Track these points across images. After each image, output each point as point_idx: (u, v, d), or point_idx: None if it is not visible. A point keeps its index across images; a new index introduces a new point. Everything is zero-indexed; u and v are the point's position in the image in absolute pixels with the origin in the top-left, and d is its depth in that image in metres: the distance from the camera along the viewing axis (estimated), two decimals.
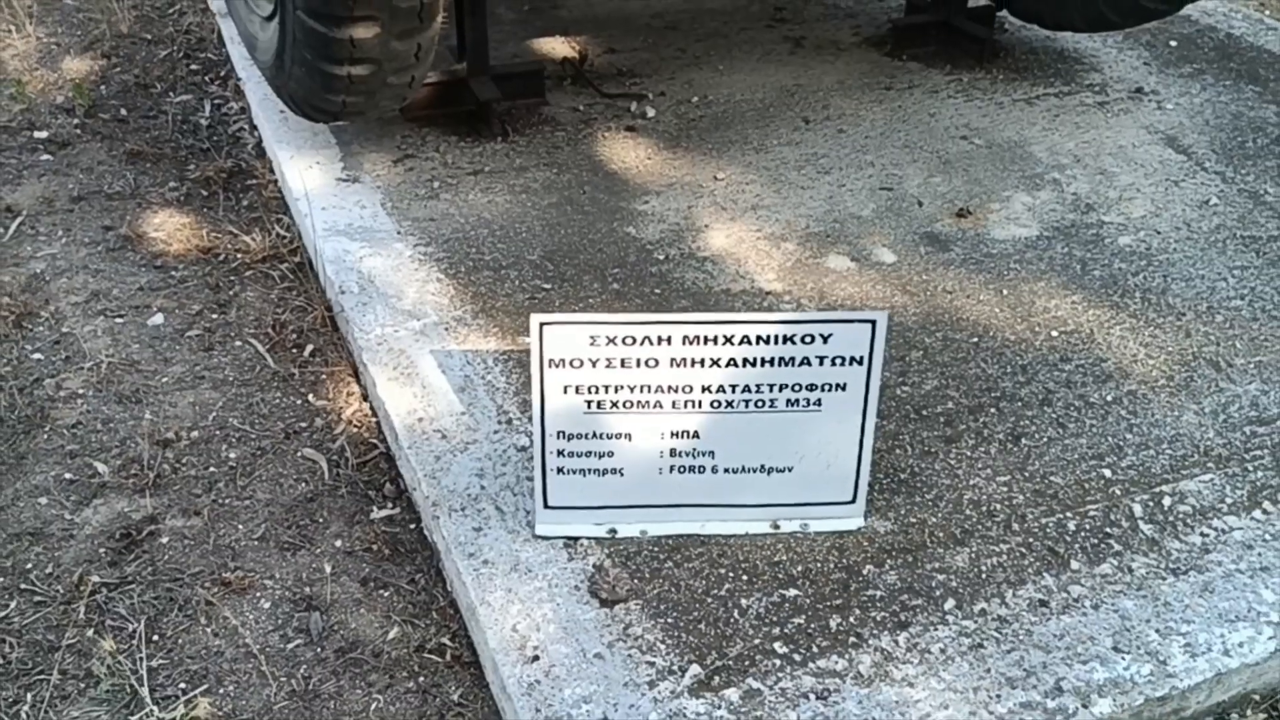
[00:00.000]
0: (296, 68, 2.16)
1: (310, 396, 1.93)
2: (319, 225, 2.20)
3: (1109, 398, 1.82)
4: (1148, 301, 2.05)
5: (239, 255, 2.28)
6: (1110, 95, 2.81)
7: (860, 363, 1.48)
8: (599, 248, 2.19)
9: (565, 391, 1.49)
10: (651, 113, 2.71)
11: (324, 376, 1.98)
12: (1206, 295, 2.07)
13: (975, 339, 1.95)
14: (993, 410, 1.79)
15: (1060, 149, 2.56)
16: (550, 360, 1.47)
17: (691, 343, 1.47)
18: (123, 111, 2.78)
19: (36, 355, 2.02)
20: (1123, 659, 1.39)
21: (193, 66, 3.01)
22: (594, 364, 1.47)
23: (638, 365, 1.48)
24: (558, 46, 3.04)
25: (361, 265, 2.12)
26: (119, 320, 2.10)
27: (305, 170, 2.42)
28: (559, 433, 1.51)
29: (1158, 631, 1.42)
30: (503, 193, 2.36)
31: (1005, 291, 2.07)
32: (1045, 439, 1.73)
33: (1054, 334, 1.96)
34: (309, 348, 2.05)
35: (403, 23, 2.06)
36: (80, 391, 1.93)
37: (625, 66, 2.94)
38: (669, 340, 1.46)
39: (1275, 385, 1.85)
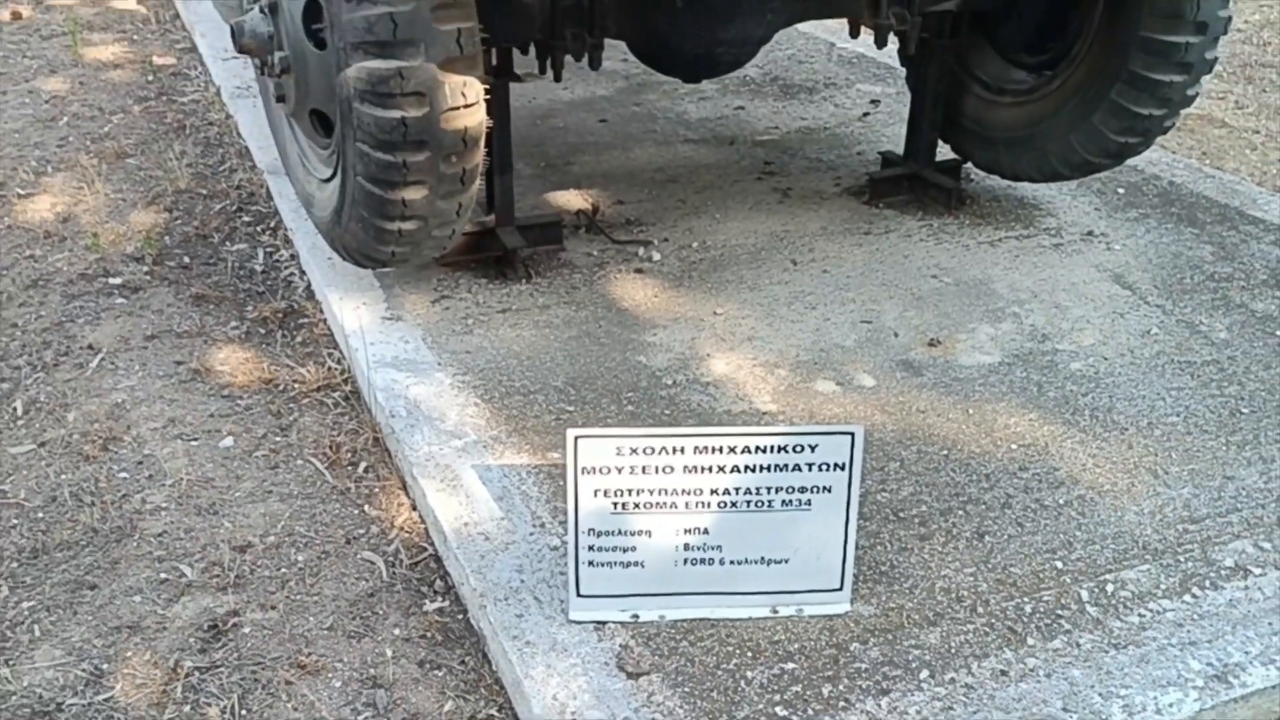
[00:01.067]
0: (353, 224, 2.50)
1: (366, 507, 2.21)
2: (369, 359, 2.51)
3: (1061, 500, 2.10)
4: (1096, 418, 2.34)
5: (296, 385, 2.57)
6: (1064, 237, 3.16)
7: (843, 468, 1.77)
8: (615, 375, 2.50)
9: (595, 495, 1.77)
10: (657, 256, 3.05)
11: (377, 490, 2.26)
12: (1147, 412, 2.37)
13: (945, 451, 2.24)
14: (961, 512, 2.07)
15: (1020, 286, 2.89)
16: (583, 468, 1.76)
17: (701, 452, 1.75)
18: (186, 259, 3.12)
19: (123, 474, 2.30)
20: (1071, 717, 1.64)
21: (245, 218, 3.36)
22: (620, 471, 1.76)
23: (657, 472, 1.76)
24: (572, 198, 3.40)
25: (408, 393, 2.42)
26: (194, 443, 2.39)
27: (354, 310, 2.74)
28: (590, 530, 1.79)
29: (1100, 695, 1.68)
30: (529, 328, 2.68)
31: (971, 411, 2.37)
32: (1006, 536, 2.01)
33: (1014, 446, 2.25)
34: (362, 465, 2.33)
35: (448, 186, 2.40)
36: (164, 505, 2.21)
37: (633, 215, 3.30)
38: (683, 450, 1.75)
39: (1205, 489, 2.14)
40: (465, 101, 2.30)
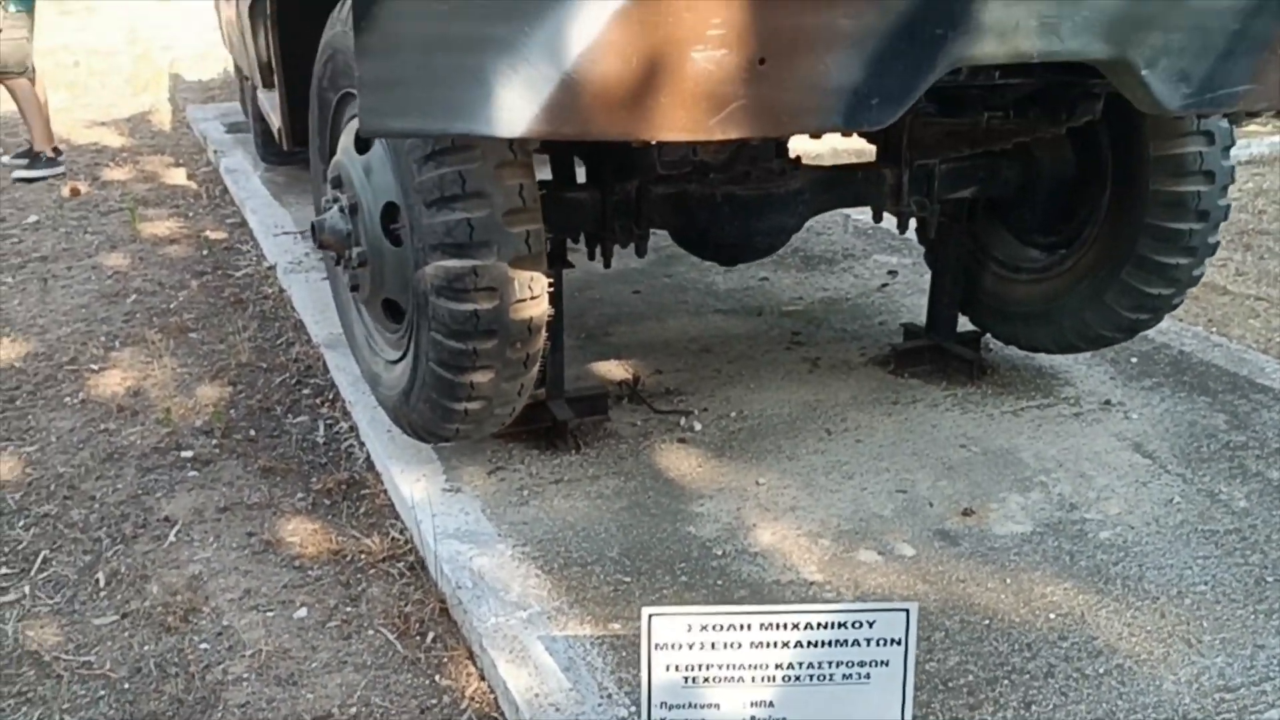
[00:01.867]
0: (421, 404, 2.68)
1: (437, 677, 2.32)
2: (434, 530, 2.65)
3: (1101, 670, 2.21)
4: (1128, 587, 2.47)
5: (363, 556, 2.71)
6: (1084, 406, 3.34)
7: (898, 643, 1.90)
8: (666, 545, 2.64)
9: (667, 669, 1.89)
10: (698, 426, 3.22)
11: (446, 660, 2.37)
12: (1176, 581, 2.49)
13: (987, 621, 2.35)
14: (1006, 682, 2.17)
15: (1045, 455, 3.05)
16: (656, 644, 1.88)
17: (767, 629, 1.88)
18: (252, 432, 3.29)
19: (204, 645, 2.42)
20: None
21: (305, 391, 3.55)
22: (690, 647, 1.89)
23: (725, 648, 1.89)
24: (613, 369, 3.59)
25: (472, 564, 2.55)
26: (270, 614, 2.51)
27: (414, 482, 2.89)
28: (662, 703, 1.90)
29: None
30: (581, 499, 2.83)
31: (1009, 580, 2.50)
32: (1052, 706, 2.11)
33: (1052, 616, 2.37)
34: (430, 635, 2.45)
35: (512, 369, 2.59)
36: (245, 676, 2.32)
37: (672, 385, 3.48)
38: (749, 627, 1.88)
39: (1238, 658, 2.25)
40: (531, 294, 2.50)
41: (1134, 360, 3.66)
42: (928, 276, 3.98)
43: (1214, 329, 4.07)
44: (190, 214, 5.53)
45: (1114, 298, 3.19)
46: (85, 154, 6.75)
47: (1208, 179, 3.00)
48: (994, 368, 3.58)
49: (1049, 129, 2.91)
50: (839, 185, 3.18)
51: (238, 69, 6.53)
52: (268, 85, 4.24)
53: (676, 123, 1.96)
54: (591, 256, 3.12)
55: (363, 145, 2.75)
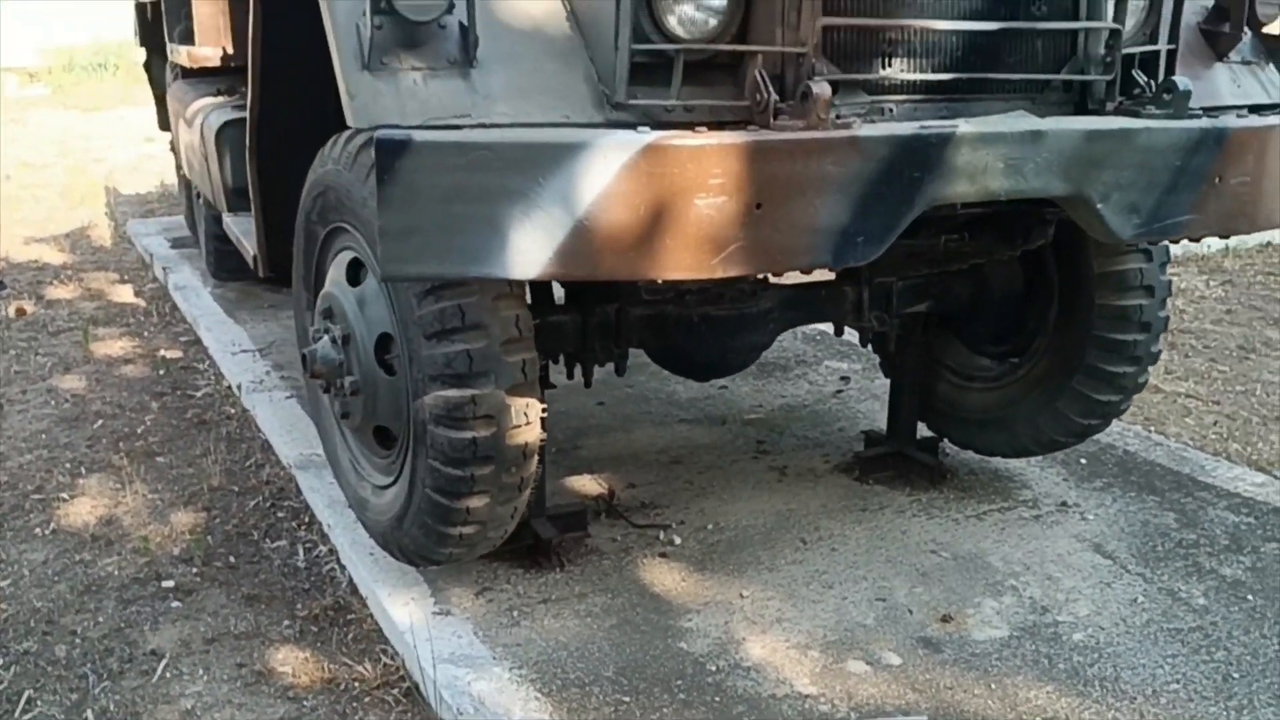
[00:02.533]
0: (415, 529, 2.72)
1: None
2: (432, 655, 2.67)
3: None
4: (1106, 689, 2.58)
5: (357, 684, 2.71)
6: (1042, 509, 3.49)
7: None
8: (660, 662, 2.69)
9: None
10: (678, 540, 3.29)
11: None
12: (1150, 681, 2.61)
13: None
14: None
15: (1012, 558, 3.18)
16: None
17: None
18: (232, 559, 3.28)
19: None
20: None
21: (280, 514, 3.56)
22: None
23: None
24: (587, 484, 3.66)
25: (471, 689, 2.58)
26: None
27: (403, 606, 2.91)
28: None
29: None
30: (571, 618, 2.87)
31: (993, 686, 2.59)
32: None
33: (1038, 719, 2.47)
34: None
35: (507, 494, 2.65)
36: None
37: (646, 498, 3.56)
38: None
39: None
40: (526, 420, 2.59)
41: (1083, 461, 3.84)
42: (879, 382, 4.14)
43: (1152, 427, 4.28)
44: (142, 332, 5.51)
45: (1066, 404, 3.37)
46: (26, 271, 6.70)
47: (1148, 293, 3.22)
48: (953, 472, 3.72)
49: (1004, 252, 3.10)
50: (805, 303, 3.33)
51: (187, 187, 6.58)
52: (233, 209, 4.31)
53: (681, 263, 2.08)
54: (570, 376, 3.21)
55: (354, 278, 2.83)
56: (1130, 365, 3.27)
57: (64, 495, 3.67)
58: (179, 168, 7.13)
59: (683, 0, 2.26)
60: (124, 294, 6.27)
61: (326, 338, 2.86)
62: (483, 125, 2.18)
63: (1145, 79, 2.58)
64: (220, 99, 4.59)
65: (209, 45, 4.48)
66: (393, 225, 2.06)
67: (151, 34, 7.11)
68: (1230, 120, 2.51)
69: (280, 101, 3.32)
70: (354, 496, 3.07)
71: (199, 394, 4.66)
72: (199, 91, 4.79)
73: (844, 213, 2.15)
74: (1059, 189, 2.34)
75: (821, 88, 2.13)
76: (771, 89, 2.20)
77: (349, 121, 2.22)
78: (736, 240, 2.08)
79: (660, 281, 2.42)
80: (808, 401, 4.46)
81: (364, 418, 2.84)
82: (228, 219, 4.23)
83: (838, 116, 2.19)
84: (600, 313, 3.06)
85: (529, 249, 2.05)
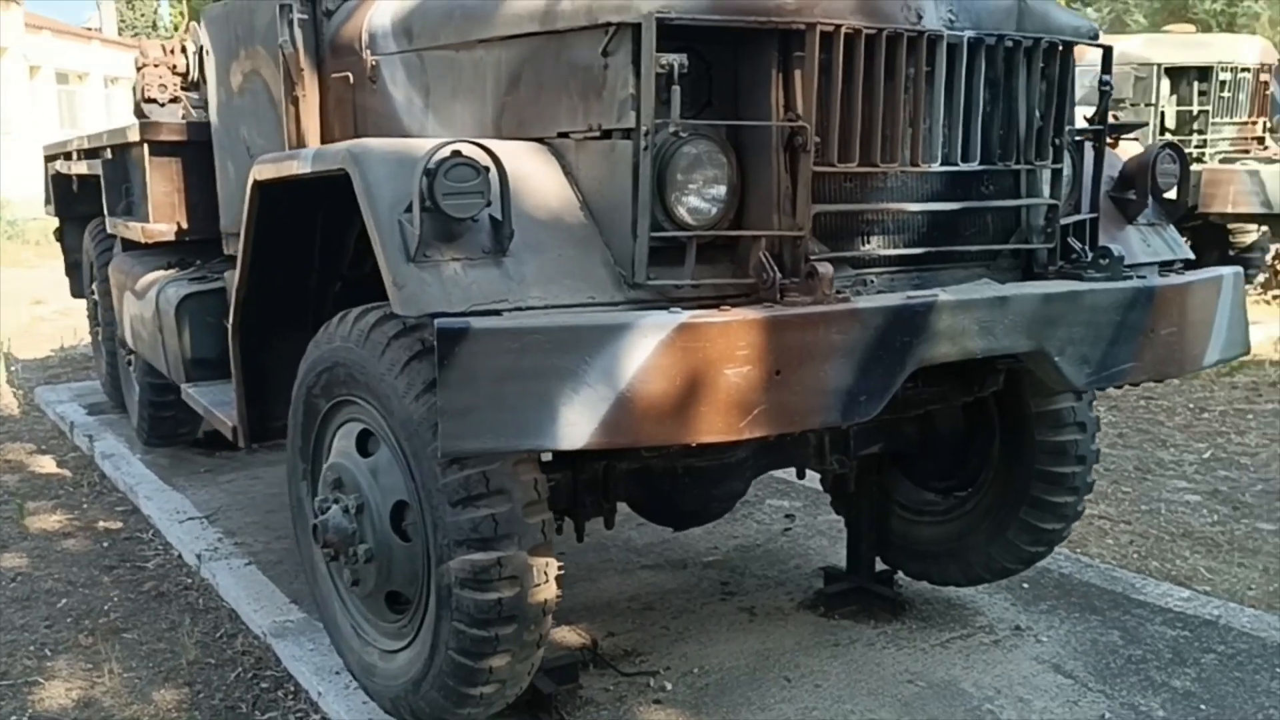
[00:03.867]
0: (434, 691, 2.79)
1: None
2: None
3: None
4: None
5: None
6: (999, 634, 3.72)
7: None
8: None
9: None
10: (669, 685, 3.41)
11: None
12: None
13: None
14: None
15: (983, 684, 3.39)
16: None
17: None
18: None
19: None
20: None
21: (263, 685, 3.55)
22: None
23: None
24: (568, 635, 3.76)
25: None
26: None
27: None
28: None
29: None
30: None
31: None
32: None
33: None
34: None
35: (526, 651, 2.76)
36: None
37: (628, 646, 3.67)
38: None
39: None
40: (545, 579, 2.72)
41: (1025, 586, 4.11)
42: (821, 519, 4.37)
43: (1077, 550, 4.60)
44: (75, 504, 5.41)
45: (1015, 534, 3.65)
46: None
47: (1081, 429, 3.55)
48: (909, 602, 3.95)
49: (959, 399, 3.40)
50: (775, 450, 3.55)
51: (110, 354, 6.55)
52: (192, 380, 4.37)
53: (714, 428, 2.28)
54: (560, 531, 3.34)
55: (364, 449, 2.95)
56: (1071, 495, 3.58)
57: (34, 679, 3.59)
58: (95, 333, 7.10)
59: (690, 193, 2.52)
60: (46, 464, 6.15)
61: (337, 508, 2.95)
62: (519, 309, 2.38)
63: (1079, 245, 2.94)
64: (173, 272, 4.68)
65: (164, 221, 4.59)
66: (452, 405, 2.22)
67: (69, 204, 7.16)
68: (1157, 279, 2.87)
69: (263, 279, 3.45)
70: (358, 663, 3.12)
71: (150, 565, 4.60)
72: (147, 265, 4.87)
73: (849, 375, 2.39)
74: (1024, 346, 2.65)
75: (825, 267, 2.40)
76: (776, 268, 2.47)
77: (396, 309, 2.39)
78: (760, 404, 2.30)
79: (694, 445, 2.61)
80: (759, 540, 4.66)
81: (377, 584, 2.92)
82: (190, 390, 4.28)
83: (837, 291, 2.45)
84: (590, 469, 3.22)
85: (577, 421, 2.23)
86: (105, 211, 5.36)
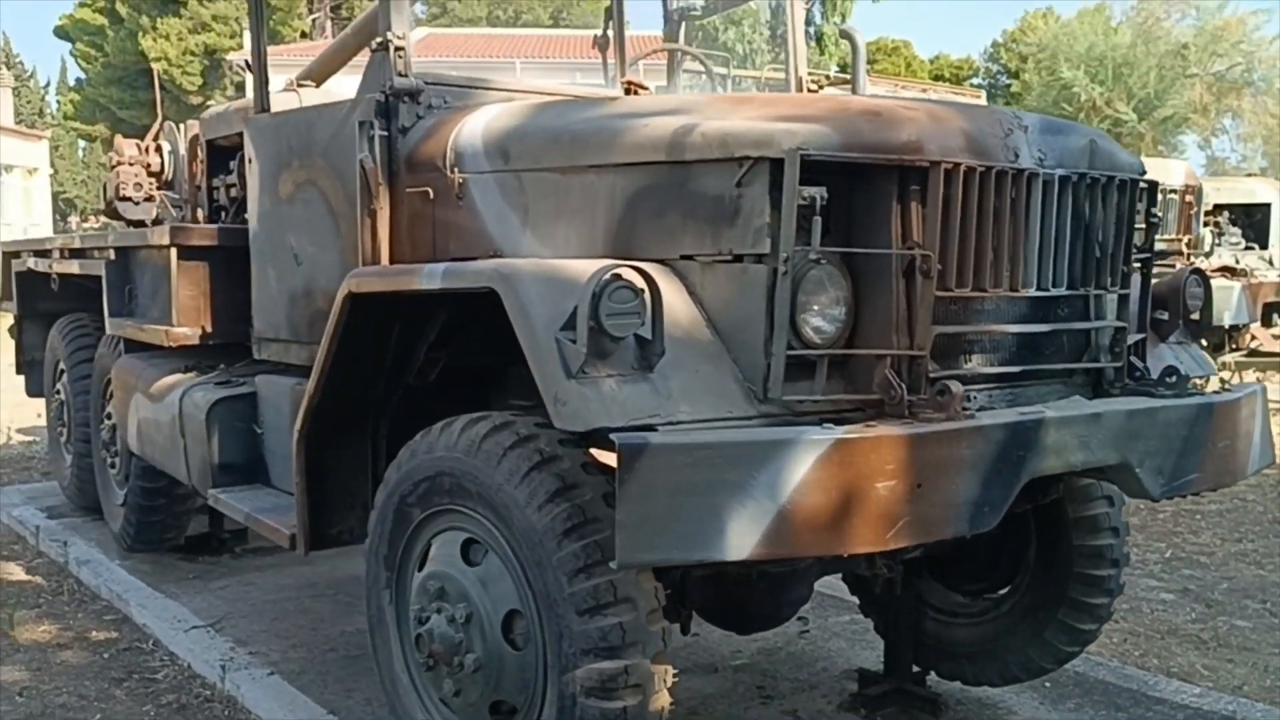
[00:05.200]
0: None
1: None
2: None
3: None
4: None
5: None
6: None
7: None
8: None
9: None
10: None
11: None
12: None
13: None
14: None
15: None
16: None
17: None
18: None
19: None
20: None
21: None
22: None
23: None
24: None
25: None
26: None
27: None
28: None
29: None
30: None
31: None
32: None
33: None
34: None
35: None
36: None
37: None
38: None
39: None
40: (665, 685, 2.77)
41: (1048, 685, 4.27)
42: (833, 621, 4.49)
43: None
44: (59, 613, 5.21)
45: (1053, 635, 3.82)
46: None
47: (1115, 533, 3.77)
48: (945, 701, 4.07)
49: (1023, 506, 3.58)
50: (835, 556, 3.67)
51: (78, 455, 6.38)
52: (217, 485, 4.32)
53: (864, 539, 2.41)
54: None
55: (469, 559, 2.98)
56: (1106, 597, 3.77)
57: None
58: (58, 434, 6.90)
59: (815, 314, 2.68)
60: (14, 572, 5.91)
61: (440, 617, 2.96)
62: (671, 423, 2.48)
63: (1141, 363, 3.18)
64: (192, 376, 4.64)
65: (189, 325, 4.56)
66: (630, 517, 2.30)
67: (32, 301, 7.02)
68: (1215, 396, 3.12)
69: (333, 386, 3.48)
70: None
71: (160, 676, 4.46)
72: (160, 368, 4.81)
73: (976, 488, 2.55)
74: (1113, 458, 2.85)
75: (957, 386, 2.57)
76: (903, 386, 2.63)
77: (558, 423, 2.47)
78: (905, 516, 2.44)
79: (846, 556, 2.71)
80: (779, 643, 4.74)
81: (482, 694, 2.92)
82: (220, 495, 4.22)
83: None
84: (669, 575, 3.30)
85: (743, 533, 2.33)
86: (106, 313, 5.27)
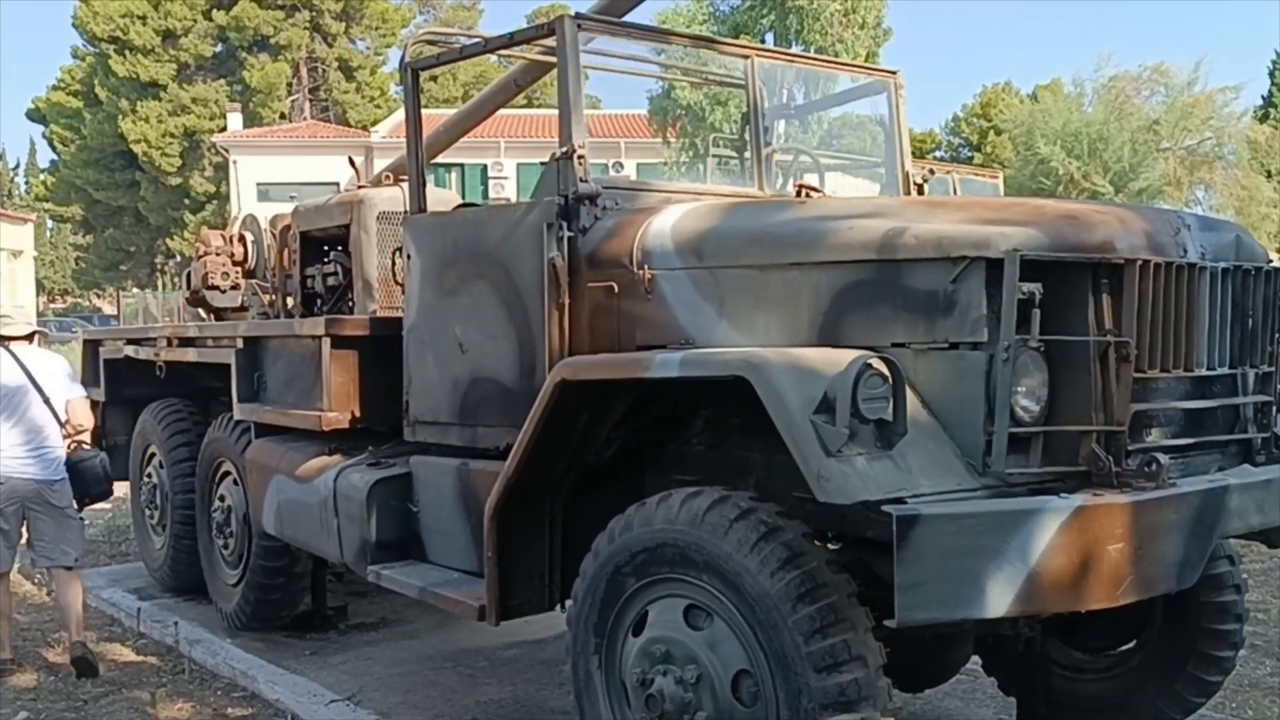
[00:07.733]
0: None
1: None
2: None
3: None
4: None
5: None
6: None
7: None
8: None
9: None
10: None
11: None
12: None
13: None
14: None
15: None
16: None
17: None
18: None
19: None
20: None
21: None
22: None
23: None
24: None
25: None
26: None
27: None
28: None
29: None
30: None
31: None
32: None
33: None
34: None
35: None
36: None
37: None
38: None
39: None
40: None
41: None
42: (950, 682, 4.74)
43: None
44: (186, 692, 5.34)
45: (1182, 687, 4.10)
46: None
47: (1238, 590, 4.08)
48: None
49: None
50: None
51: (175, 537, 6.56)
52: (376, 562, 4.53)
53: (1098, 596, 2.71)
54: None
55: (691, 624, 3.22)
56: (1231, 650, 4.07)
57: None
58: (149, 517, 7.05)
59: (1024, 395, 3.00)
60: (123, 653, 6.03)
61: (667, 679, 3.19)
62: (917, 496, 2.78)
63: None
64: (338, 458, 4.86)
65: (340, 410, 4.80)
66: (907, 580, 2.58)
67: (120, 388, 7.21)
68: None
69: (528, 467, 3.73)
70: None
71: None
72: (304, 451, 5.03)
73: (1181, 548, 2.86)
74: (1276, 520, 3.17)
75: (1164, 458, 2.89)
76: (1110, 458, 2.94)
77: (823, 497, 2.75)
78: (1130, 575, 2.74)
79: (1084, 612, 2.98)
80: (896, 703, 4.97)
81: None
82: (384, 571, 4.42)
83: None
84: None
85: (1000, 593, 2.62)
86: (235, 399, 5.49)
